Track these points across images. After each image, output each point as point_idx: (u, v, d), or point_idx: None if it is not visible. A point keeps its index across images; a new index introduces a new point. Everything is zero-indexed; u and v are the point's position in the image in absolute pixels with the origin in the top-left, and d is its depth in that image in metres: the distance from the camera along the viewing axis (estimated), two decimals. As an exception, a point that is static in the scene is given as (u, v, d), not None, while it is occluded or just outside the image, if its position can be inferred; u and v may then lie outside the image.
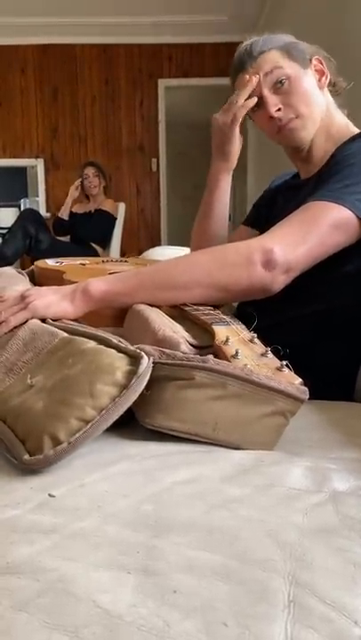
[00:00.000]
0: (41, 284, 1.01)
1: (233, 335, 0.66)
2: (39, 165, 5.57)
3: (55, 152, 5.56)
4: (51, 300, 0.80)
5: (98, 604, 0.36)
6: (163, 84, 5.49)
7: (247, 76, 1.02)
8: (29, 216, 4.10)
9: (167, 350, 0.61)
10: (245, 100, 1.04)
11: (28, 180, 5.82)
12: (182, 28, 5.15)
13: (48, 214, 5.28)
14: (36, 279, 1.13)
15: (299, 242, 0.82)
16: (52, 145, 5.56)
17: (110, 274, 1.03)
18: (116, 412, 0.55)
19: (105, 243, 4.19)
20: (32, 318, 0.76)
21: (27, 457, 0.53)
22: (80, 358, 0.61)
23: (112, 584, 0.38)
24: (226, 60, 5.41)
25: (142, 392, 0.57)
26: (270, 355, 0.63)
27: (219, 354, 0.63)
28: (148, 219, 5.70)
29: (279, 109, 1.01)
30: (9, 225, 4.22)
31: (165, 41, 5.36)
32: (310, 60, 1.02)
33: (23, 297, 0.80)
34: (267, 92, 1.01)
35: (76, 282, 0.95)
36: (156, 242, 5.44)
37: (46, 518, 0.46)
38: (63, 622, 0.34)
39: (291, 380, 0.59)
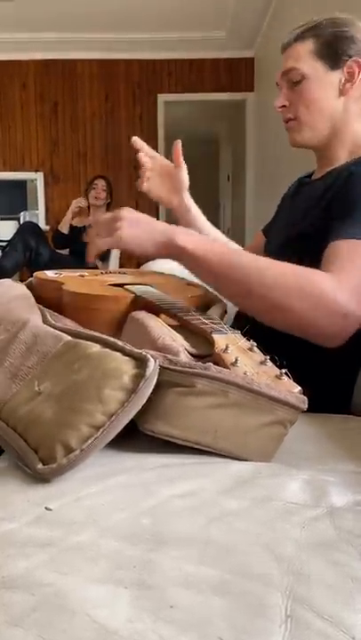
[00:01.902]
0: (40, 296, 1.01)
1: (232, 343, 0.66)
2: (39, 179, 5.61)
3: (55, 166, 5.60)
4: (138, 234, 0.80)
5: (94, 619, 0.35)
6: (162, 98, 5.54)
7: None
8: (29, 229, 4.12)
9: (169, 356, 0.61)
10: None
11: (28, 194, 5.85)
12: (181, 44, 5.20)
13: (47, 227, 5.30)
14: (35, 290, 1.13)
15: None
16: (52, 159, 5.59)
17: (110, 285, 1.03)
18: (126, 417, 0.55)
19: (104, 256, 4.20)
20: (115, 248, 0.78)
21: (40, 466, 0.53)
22: (86, 363, 0.61)
23: (108, 599, 0.37)
24: (225, 76, 5.49)
25: None
26: (269, 363, 0.63)
27: (218, 362, 0.63)
28: (147, 232, 5.72)
29: (283, 106, 1.03)
30: (9, 238, 4.23)
31: (165, 57, 5.42)
32: (346, 61, 0.97)
33: (115, 220, 0.80)
34: (283, 86, 1.03)
35: (74, 292, 0.96)
36: (154, 255, 5.45)
37: (43, 532, 0.45)
38: (59, 638, 0.34)
39: (290, 389, 0.59)
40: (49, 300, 0.98)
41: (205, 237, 0.85)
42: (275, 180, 4.47)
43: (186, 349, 0.67)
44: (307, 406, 0.60)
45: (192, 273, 0.84)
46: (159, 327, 0.74)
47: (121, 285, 1.01)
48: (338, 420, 0.83)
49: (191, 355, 0.67)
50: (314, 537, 0.45)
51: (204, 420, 0.58)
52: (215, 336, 0.68)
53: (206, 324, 0.74)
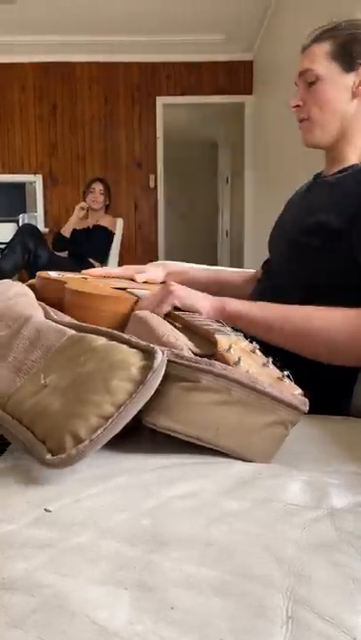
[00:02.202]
0: (42, 295, 1.01)
1: (235, 344, 0.66)
2: (38, 181, 5.61)
3: (54, 168, 5.60)
4: (191, 292, 0.85)
5: (94, 621, 0.35)
6: (161, 101, 5.55)
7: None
8: (28, 231, 4.11)
9: (176, 350, 0.61)
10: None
11: (27, 196, 5.84)
12: (181, 47, 5.21)
13: (46, 229, 5.30)
14: (38, 290, 1.13)
15: None
16: (51, 161, 5.59)
17: (114, 288, 1.03)
18: (134, 408, 0.55)
19: (103, 258, 4.20)
20: (175, 305, 0.82)
21: (49, 456, 0.53)
22: (92, 356, 0.61)
23: (108, 600, 0.37)
24: (223, 79, 5.50)
25: None
26: (271, 365, 0.63)
27: (222, 361, 0.63)
28: (145, 234, 5.72)
29: (297, 105, 1.05)
30: (7, 240, 4.23)
31: (164, 59, 5.43)
32: (360, 64, 0.98)
33: (165, 287, 0.85)
34: (299, 86, 1.04)
35: (76, 290, 0.96)
36: (153, 257, 5.45)
37: (42, 533, 0.45)
38: (59, 639, 0.34)
39: (291, 391, 0.60)
40: (51, 299, 0.98)
41: (255, 302, 0.90)
42: (273, 182, 4.47)
43: (190, 349, 0.67)
44: (308, 408, 0.60)
45: (244, 328, 0.85)
46: (163, 325, 0.74)
47: (123, 289, 1.02)
48: (339, 422, 0.82)
49: (195, 354, 0.67)
50: (314, 538, 0.45)
51: (207, 416, 0.58)
52: (218, 336, 0.68)
53: (210, 324, 0.74)
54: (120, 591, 0.38)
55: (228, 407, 0.58)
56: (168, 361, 0.59)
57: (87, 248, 4.11)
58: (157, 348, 0.58)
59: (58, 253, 4.17)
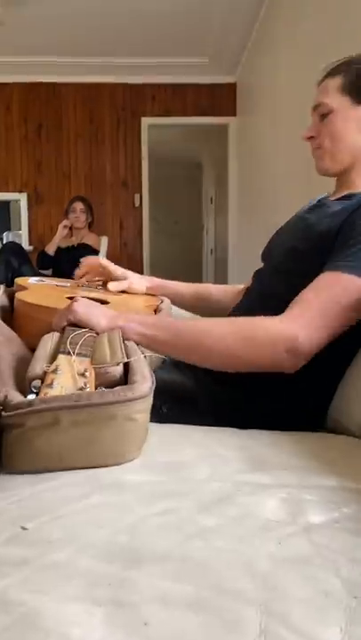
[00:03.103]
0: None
1: (65, 365, 0.67)
2: (22, 200, 5.62)
3: (39, 187, 5.62)
4: (90, 309, 0.85)
5: (68, 638, 0.35)
6: (146, 122, 5.62)
7: None
8: (12, 249, 4.11)
9: (10, 396, 0.62)
10: None
11: (12, 214, 5.84)
12: (165, 69, 5.29)
13: (31, 247, 5.30)
14: (15, 295, 1.15)
15: (323, 327, 0.85)
16: (36, 180, 5.61)
17: (68, 297, 1.03)
18: None
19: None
20: (71, 320, 0.83)
21: None
22: None
23: (82, 617, 0.37)
24: (207, 100, 5.58)
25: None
26: (89, 388, 0.64)
27: (44, 380, 0.65)
28: (130, 252, 5.74)
29: (311, 137, 1.09)
30: (-9, 258, 4.22)
31: (149, 81, 5.51)
32: None
33: (69, 304, 0.86)
34: (314, 118, 1.09)
35: (20, 299, 1.01)
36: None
37: (18, 551, 0.45)
38: (32, 657, 0.34)
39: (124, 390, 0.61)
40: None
41: (150, 316, 0.95)
42: (256, 202, 4.53)
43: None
44: (150, 386, 0.63)
45: (147, 347, 0.88)
46: (41, 351, 0.74)
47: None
48: (318, 438, 0.83)
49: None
50: (290, 553, 0.45)
51: (46, 448, 0.60)
52: (59, 356, 0.69)
53: (70, 345, 0.74)
54: (94, 608, 0.38)
55: (63, 434, 0.59)
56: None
57: (72, 266, 4.10)
58: None
59: (42, 271, 4.17)
